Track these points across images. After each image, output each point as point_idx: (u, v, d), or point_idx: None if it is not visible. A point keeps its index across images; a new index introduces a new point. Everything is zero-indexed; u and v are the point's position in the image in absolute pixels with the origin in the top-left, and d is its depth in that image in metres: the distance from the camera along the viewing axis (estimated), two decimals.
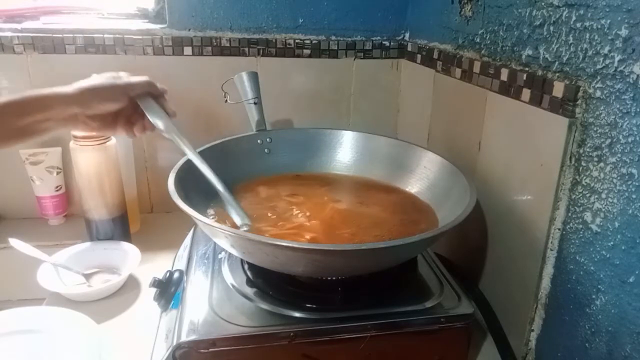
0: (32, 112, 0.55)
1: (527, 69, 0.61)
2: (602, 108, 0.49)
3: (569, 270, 0.55)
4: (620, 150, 0.47)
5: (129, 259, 0.80)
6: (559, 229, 0.56)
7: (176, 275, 0.65)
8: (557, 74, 0.55)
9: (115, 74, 0.61)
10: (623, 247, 0.47)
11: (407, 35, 1.02)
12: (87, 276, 0.78)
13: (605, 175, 0.49)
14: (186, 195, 0.57)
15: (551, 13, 0.56)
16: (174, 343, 0.51)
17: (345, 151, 0.82)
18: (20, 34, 0.89)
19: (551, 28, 0.56)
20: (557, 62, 0.55)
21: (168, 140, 0.63)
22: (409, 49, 1.00)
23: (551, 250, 0.57)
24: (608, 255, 0.49)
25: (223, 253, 0.65)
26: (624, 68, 0.46)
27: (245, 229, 0.61)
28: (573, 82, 0.53)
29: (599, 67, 0.49)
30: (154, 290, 0.63)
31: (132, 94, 0.60)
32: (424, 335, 0.56)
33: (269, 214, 0.66)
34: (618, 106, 0.47)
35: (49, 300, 0.74)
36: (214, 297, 0.57)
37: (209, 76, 0.94)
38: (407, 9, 1.00)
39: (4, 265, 0.88)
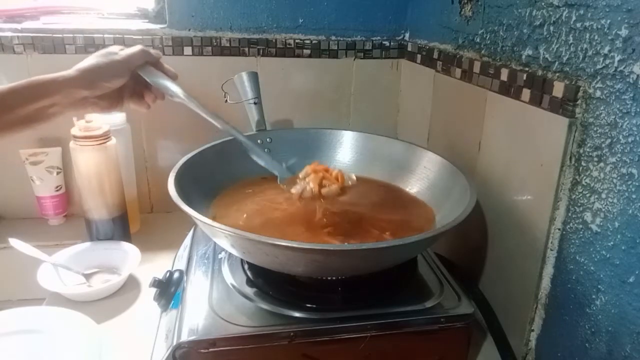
0: (37, 99, 0.55)
1: (527, 69, 0.61)
2: (602, 108, 0.49)
3: (569, 270, 0.55)
4: (620, 150, 0.47)
5: (129, 259, 0.80)
6: (559, 229, 0.56)
7: (176, 275, 0.65)
8: (557, 74, 0.55)
9: (107, 50, 0.61)
10: (623, 247, 0.47)
11: (407, 35, 1.02)
12: (87, 276, 0.78)
13: (605, 175, 0.49)
14: (186, 195, 0.57)
15: (551, 13, 0.56)
16: (174, 343, 0.51)
17: (345, 151, 0.82)
18: (20, 34, 0.89)
19: (551, 28, 0.56)
20: (557, 62, 0.55)
21: (177, 103, 0.64)
22: (409, 49, 1.00)
23: (551, 250, 0.57)
24: (608, 255, 0.49)
25: (223, 253, 0.65)
26: (624, 68, 0.46)
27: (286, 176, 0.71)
28: (573, 82, 0.53)
29: (599, 67, 0.49)
30: (154, 290, 0.64)
31: (133, 66, 0.61)
32: (424, 335, 0.56)
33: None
34: (618, 106, 0.47)
35: (49, 300, 0.74)
36: (214, 297, 0.57)
37: (209, 76, 0.94)
38: (407, 9, 1.00)
39: (4, 265, 0.89)
